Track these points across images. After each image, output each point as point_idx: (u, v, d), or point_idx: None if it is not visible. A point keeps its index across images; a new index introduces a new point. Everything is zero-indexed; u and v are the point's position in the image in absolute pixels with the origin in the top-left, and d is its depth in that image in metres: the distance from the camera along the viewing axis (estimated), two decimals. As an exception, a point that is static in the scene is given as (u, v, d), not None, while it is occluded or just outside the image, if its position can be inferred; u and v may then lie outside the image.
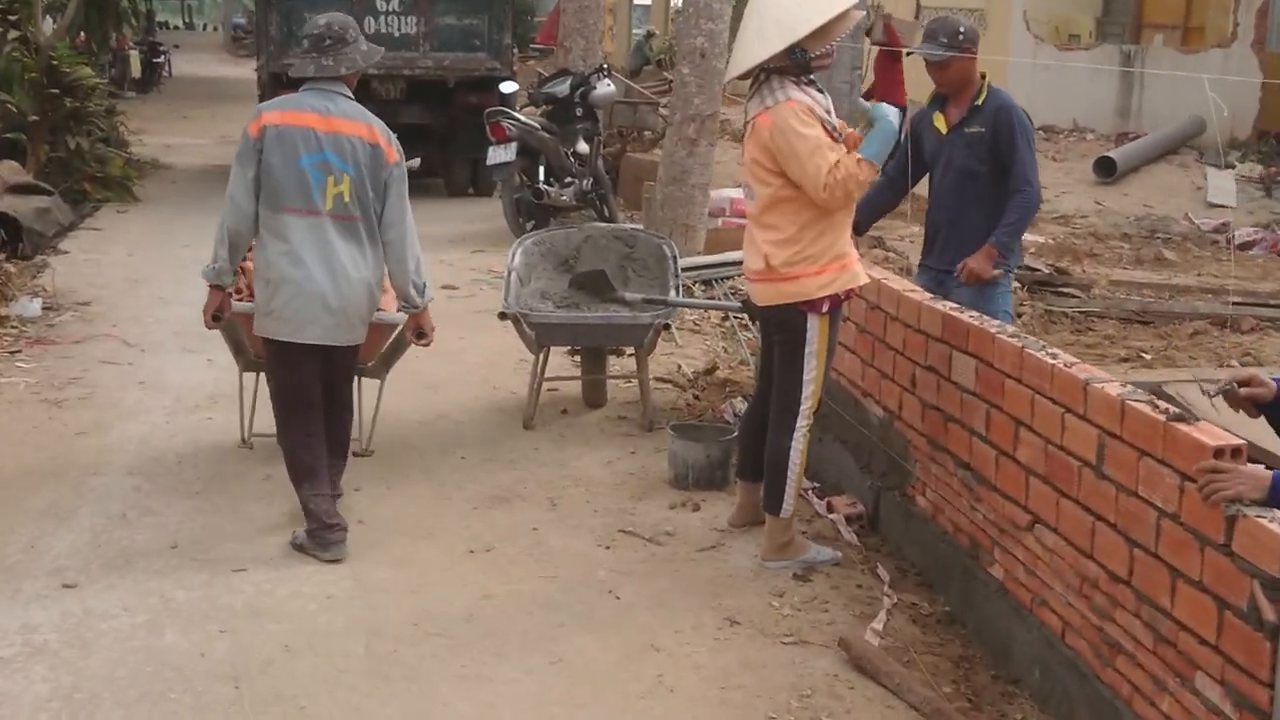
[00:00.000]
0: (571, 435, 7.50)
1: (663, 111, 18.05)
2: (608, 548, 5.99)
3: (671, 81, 20.13)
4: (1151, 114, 23.80)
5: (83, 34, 22.75)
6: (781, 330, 5.64)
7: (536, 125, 13.22)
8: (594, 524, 6.26)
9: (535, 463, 7.07)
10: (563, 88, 13.89)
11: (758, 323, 7.04)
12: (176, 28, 69.11)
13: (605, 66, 14.31)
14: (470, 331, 9.72)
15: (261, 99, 16.97)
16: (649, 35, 32.78)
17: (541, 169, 13.28)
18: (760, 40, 5.38)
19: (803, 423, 5.66)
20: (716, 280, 10.46)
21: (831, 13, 5.33)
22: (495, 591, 5.53)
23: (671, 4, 21.87)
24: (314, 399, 5.92)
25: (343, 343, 5.87)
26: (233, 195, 5.74)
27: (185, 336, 9.45)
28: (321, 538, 5.79)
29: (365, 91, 15.88)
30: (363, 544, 5.95)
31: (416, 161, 17.26)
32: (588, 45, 15.16)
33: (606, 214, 13.92)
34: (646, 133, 17.82)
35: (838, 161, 5.32)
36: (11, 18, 14.98)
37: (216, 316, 6.05)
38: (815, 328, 5.56)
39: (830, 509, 6.37)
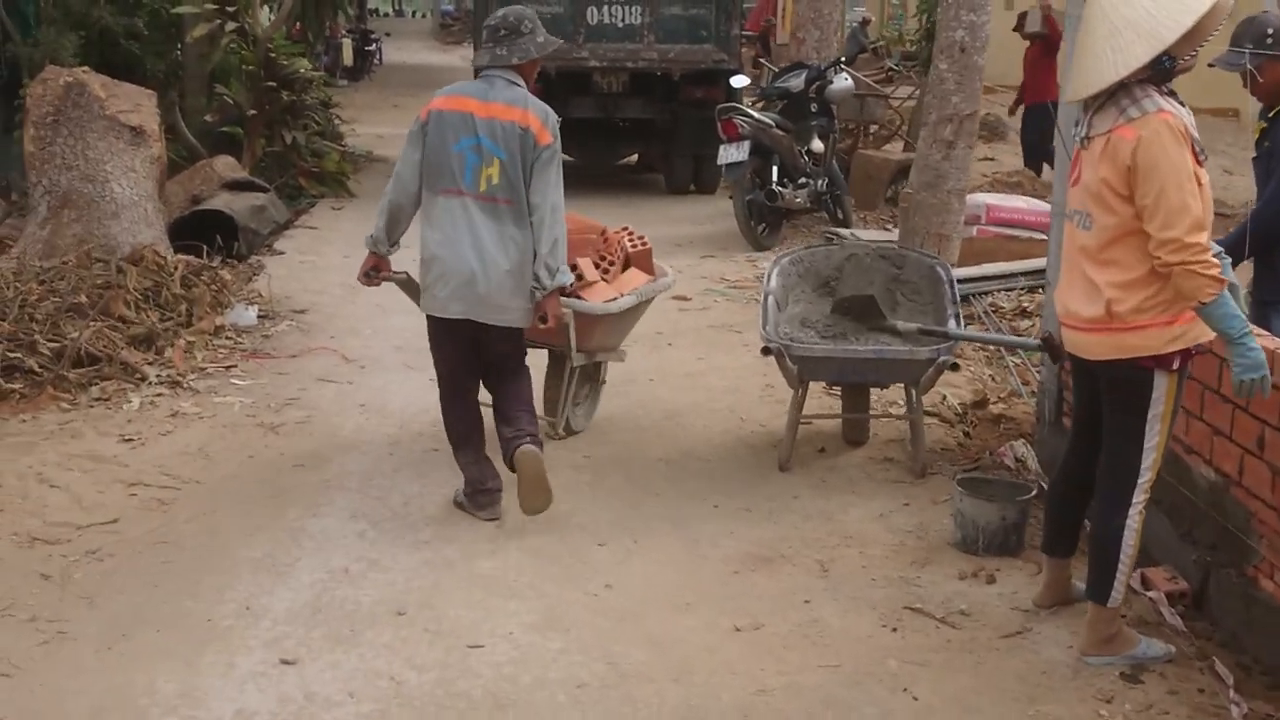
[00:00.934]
0: (834, 481, 6.70)
1: (893, 104, 17.14)
2: (894, 629, 5.17)
3: (889, 70, 19.24)
4: None
5: (299, 24, 22.53)
6: (1120, 389, 4.75)
7: (770, 122, 12.41)
8: (874, 596, 5.44)
9: (798, 514, 6.28)
10: (797, 82, 13.08)
11: (1061, 366, 6.16)
12: (386, 15, 69.81)
13: (841, 59, 13.42)
14: (709, 350, 8.98)
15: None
16: (864, 22, 31.73)
17: (775, 169, 12.48)
18: (1116, 49, 4.46)
19: (1140, 498, 4.76)
20: (974, 296, 9.55)
21: (1201, 9, 4.42)
22: (770, 684, 4.75)
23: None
24: (464, 373, 6.18)
25: (489, 321, 5.96)
26: (399, 173, 6.03)
27: (406, 352, 8.87)
28: (477, 499, 6.17)
29: (586, 84, 15.41)
30: (614, 614, 5.24)
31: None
32: (823, 36, 14.31)
33: (840, 216, 13.10)
34: (874, 127, 16.91)
35: (1197, 224, 4.43)
36: (230, 8, 14.61)
37: (371, 275, 6.32)
38: (1162, 387, 4.66)
39: (1146, 584, 5.46)
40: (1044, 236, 10.87)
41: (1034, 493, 5.95)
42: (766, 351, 6.45)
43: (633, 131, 16.05)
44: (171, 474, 6.62)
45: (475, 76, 6.17)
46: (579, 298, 6.81)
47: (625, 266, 7.45)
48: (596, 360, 7.26)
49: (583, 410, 7.36)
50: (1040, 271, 9.59)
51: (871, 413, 7.20)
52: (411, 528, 6.07)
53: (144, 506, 6.26)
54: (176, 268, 9.19)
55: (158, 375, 8.04)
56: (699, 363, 8.66)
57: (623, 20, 14.98)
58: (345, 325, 9.59)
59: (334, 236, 13.00)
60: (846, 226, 13.16)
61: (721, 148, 12.49)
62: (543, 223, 5.85)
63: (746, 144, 12.26)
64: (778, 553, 5.84)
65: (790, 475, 6.73)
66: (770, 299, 6.79)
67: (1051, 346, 5.79)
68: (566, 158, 16.45)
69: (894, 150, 16.40)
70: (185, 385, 7.97)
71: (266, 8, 16.43)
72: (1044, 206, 11.40)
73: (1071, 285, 4.87)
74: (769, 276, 6.97)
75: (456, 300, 5.91)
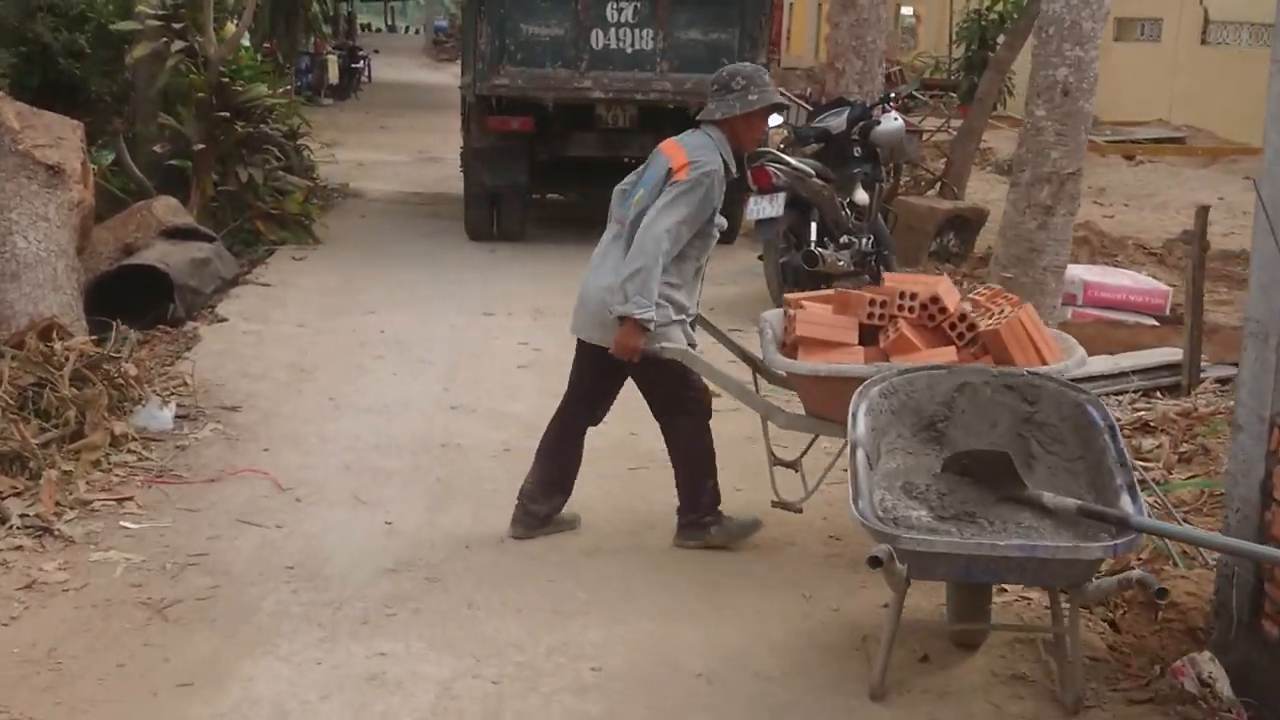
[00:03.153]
0: (947, 716, 4.69)
1: (936, 137, 15.17)
2: None
3: (903, 99, 17.23)
4: None
5: (269, 42, 20.54)
6: None
7: (810, 170, 10.42)
8: None
9: (907, 789, 4.27)
10: (838, 121, 11.10)
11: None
12: (378, 30, 68.05)
13: (891, 95, 11.44)
14: (752, 478, 6.95)
15: (465, 122, 14.52)
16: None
17: (813, 225, 10.49)
18: None
19: None
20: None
21: None
22: None
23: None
24: (578, 392, 6.31)
25: (589, 339, 6.08)
26: None
27: (358, 474, 6.89)
28: (515, 514, 6.20)
29: (589, 118, 13.40)
30: None
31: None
32: (865, 68, 12.32)
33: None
34: (914, 169, 14.94)
35: None
36: (176, 26, 12.58)
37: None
38: None
39: None
40: (1154, 321, 8.92)
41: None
42: (875, 562, 4.37)
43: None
44: (-2, 701, 4.60)
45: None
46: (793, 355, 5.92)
47: (969, 342, 5.75)
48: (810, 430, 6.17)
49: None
50: (1166, 368, 7.62)
51: (1000, 623, 5.19)
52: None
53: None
54: (67, 359, 7.16)
55: (21, 516, 6.03)
56: (738, 496, 6.65)
57: (632, 45, 12.99)
58: (284, 430, 7.57)
59: (290, 296, 10.99)
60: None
61: (751, 200, 10.51)
62: (634, 246, 5.75)
63: (782, 196, 10.27)
64: None
65: (886, 707, 4.72)
66: (860, 454, 4.77)
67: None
68: (558, 197, 14.75)
69: (933, 196, 14.43)
70: (55, 532, 5.96)
71: (232, 21, 14.36)
72: (1152, 284, 9.42)
73: None
74: (853, 416, 4.96)
75: (573, 315, 6.24)
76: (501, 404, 8.21)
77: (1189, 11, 24.04)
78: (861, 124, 11.04)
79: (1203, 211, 7.85)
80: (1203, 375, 7.98)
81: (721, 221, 5.99)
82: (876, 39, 12.47)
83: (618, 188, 6.11)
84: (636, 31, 12.90)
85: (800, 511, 6.20)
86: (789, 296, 6.46)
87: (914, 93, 13.76)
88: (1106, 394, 7.85)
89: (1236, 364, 8.71)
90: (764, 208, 10.29)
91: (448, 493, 6.73)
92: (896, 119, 11.28)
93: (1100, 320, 8.70)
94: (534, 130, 13.08)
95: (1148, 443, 7.28)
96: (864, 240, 10.85)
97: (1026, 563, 4.45)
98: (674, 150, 5.89)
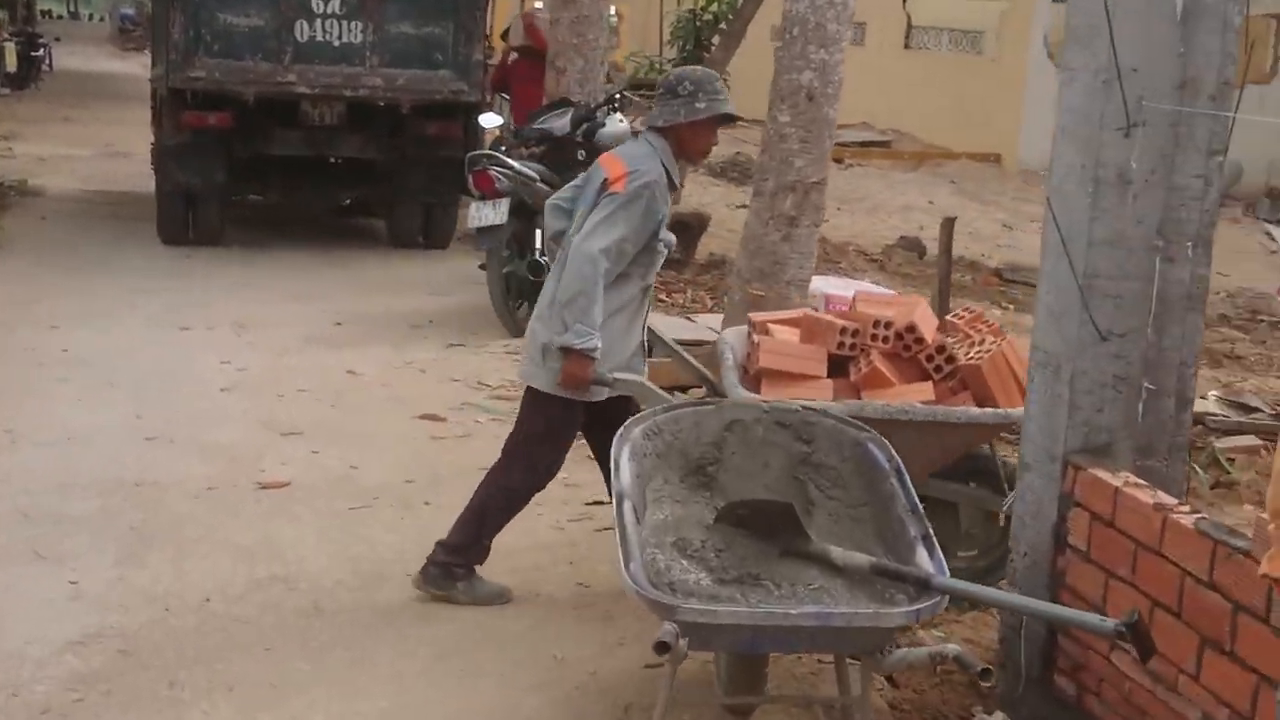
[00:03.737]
0: (729, 800, 4.18)
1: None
2: None
3: (632, 98, 16.81)
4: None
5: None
6: None
7: (534, 174, 9.83)
8: None
9: None
10: (562, 123, 10.54)
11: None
12: (60, 17, 65.01)
13: (618, 96, 10.94)
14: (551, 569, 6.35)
15: (156, 116, 13.45)
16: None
17: (539, 233, 9.90)
18: None
19: None
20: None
21: None
22: None
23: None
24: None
25: (519, 376, 5.68)
26: None
27: (38, 522, 6.03)
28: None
29: (293, 115, 12.52)
30: None
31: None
32: (587, 66, 11.77)
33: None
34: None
35: None
36: None
37: None
38: None
39: None
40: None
41: None
42: (663, 648, 3.78)
43: (350, 172, 13.22)
44: None
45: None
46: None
47: (946, 376, 5.38)
48: None
49: None
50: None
51: (780, 694, 4.68)
52: None
53: None
54: None
55: None
56: (534, 574, 6.02)
57: (340, 38, 12.18)
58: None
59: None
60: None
61: (474, 206, 9.87)
62: (566, 269, 5.27)
63: (505, 202, 9.67)
64: None
65: (658, 792, 4.17)
66: (627, 508, 4.19)
67: (1141, 636, 3.45)
68: (258, 198, 13.83)
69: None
70: None
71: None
72: (886, 292, 9.10)
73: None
74: (616, 461, 4.39)
75: None
76: (204, 433, 7.37)
77: (892, 16, 24.34)
78: (586, 126, 10.52)
79: (948, 224, 7.57)
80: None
81: (669, 237, 5.46)
82: (598, 37, 11.95)
83: (549, 202, 5.69)
84: (344, 23, 12.11)
85: None
86: (754, 318, 5.90)
87: (623, 92, 13.33)
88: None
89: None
90: (487, 214, 9.68)
91: (143, 542, 5.92)
92: (622, 121, 10.79)
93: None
94: (233, 126, 12.15)
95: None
96: (590, 248, 10.35)
97: (820, 632, 3.94)
98: (611, 161, 5.42)
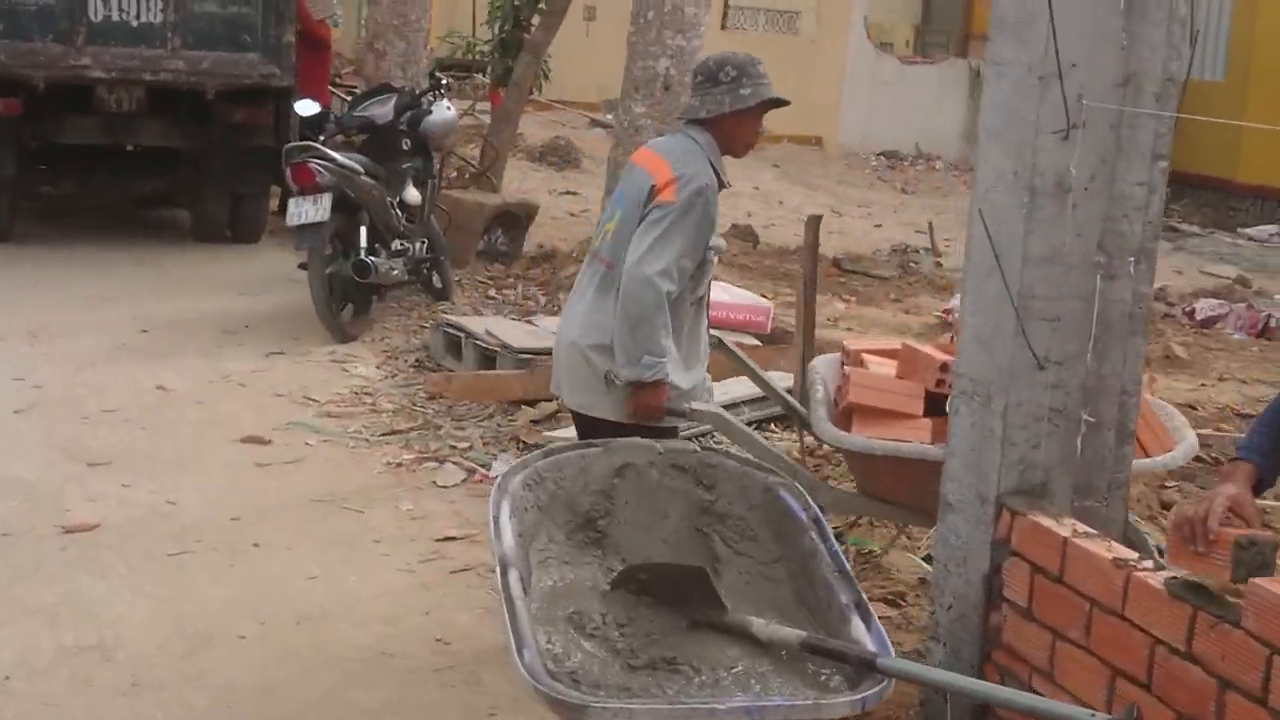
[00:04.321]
0: None
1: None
2: None
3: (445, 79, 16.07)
4: (1000, 139, 20.90)
5: None
6: None
7: (358, 166, 9.11)
8: None
9: None
10: (384, 110, 9.87)
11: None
12: None
13: (444, 81, 10.26)
14: (324, 553, 5.68)
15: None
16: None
17: (364, 231, 9.20)
18: None
19: None
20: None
21: None
22: None
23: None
24: None
25: (568, 404, 5.06)
26: None
27: None
28: None
29: (88, 101, 11.54)
30: None
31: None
32: (409, 49, 11.06)
33: (439, 286, 10.00)
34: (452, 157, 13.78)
35: None
36: None
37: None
38: None
39: None
40: (756, 341, 8.12)
41: None
42: None
43: (151, 162, 12.27)
44: None
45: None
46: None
47: None
48: None
49: None
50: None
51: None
52: None
53: None
54: None
55: None
56: (314, 588, 5.36)
57: (138, 18, 11.24)
58: None
59: None
60: (445, 298, 10.06)
61: (292, 202, 9.10)
62: (621, 293, 4.73)
63: (328, 197, 8.91)
64: None
65: None
66: (513, 578, 3.57)
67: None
68: (51, 190, 12.79)
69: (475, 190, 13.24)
70: None
71: None
72: (752, 299, 8.61)
73: None
74: (495, 519, 3.77)
75: (554, 373, 5.11)
76: (-6, 465, 6.56)
77: (709, -4, 23.97)
78: (411, 113, 9.86)
79: (814, 221, 7.05)
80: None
81: (720, 244, 4.97)
82: (421, 18, 11.24)
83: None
84: (143, 2, 11.18)
85: None
86: (849, 346, 5.38)
87: (449, 76, 12.70)
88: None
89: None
90: (307, 211, 8.91)
91: (-77, 606, 5.12)
92: (449, 108, 10.16)
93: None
94: (22, 114, 11.15)
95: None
96: (418, 245, 9.71)
97: (751, 728, 3.37)
98: (654, 161, 4.88)
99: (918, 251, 13.90)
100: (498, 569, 3.59)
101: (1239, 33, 19.04)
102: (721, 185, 4.93)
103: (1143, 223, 3.99)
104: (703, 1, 6.88)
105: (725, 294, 8.23)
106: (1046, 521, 3.83)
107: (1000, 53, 3.99)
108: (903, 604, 5.39)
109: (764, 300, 8.72)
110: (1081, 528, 3.80)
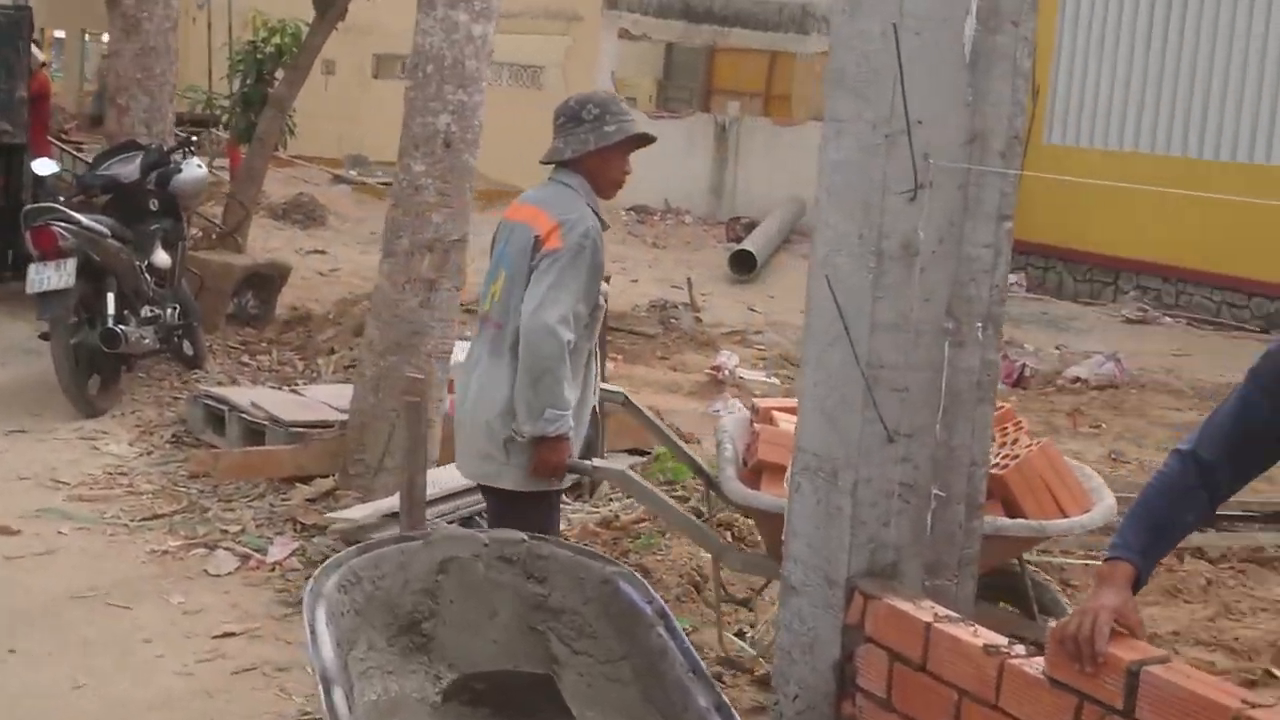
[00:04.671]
0: None
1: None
2: None
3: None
4: (747, 194, 21.14)
5: None
6: None
7: (104, 229, 8.52)
8: None
9: None
10: (130, 168, 9.31)
11: None
12: None
13: (192, 140, 9.72)
14: (89, 659, 5.14)
15: None
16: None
17: (111, 298, 8.59)
18: None
19: None
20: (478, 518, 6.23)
21: None
22: None
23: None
24: None
25: (467, 477, 4.94)
26: None
27: None
28: None
29: None
30: None
31: None
32: (154, 105, 10.45)
33: (192, 354, 9.45)
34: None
35: None
36: None
37: None
38: None
39: None
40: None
41: None
42: None
43: None
44: None
45: None
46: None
47: None
48: None
49: None
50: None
51: None
52: None
53: None
54: None
55: None
56: (82, 698, 4.82)
57: None
58: None
59: None
60: (198, 366, 9.51)
61: (32, 269, 8.40)
62: (521, 349, 4.57)
63: (72, 263, 8.28)
64: None
65: None
66: (337, 697, 3.17)
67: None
68: None
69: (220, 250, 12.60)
70: None
71: None
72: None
73: None
74: (311, 628, 3.37)
75: (459, 452, 4.86)
76: None
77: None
78: (158, 171, 9.32)
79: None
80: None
81: (604, 289, 4.80)
82: (166, 71, 10.62)
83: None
84: None
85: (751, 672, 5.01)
86: (759, 404, 5.22)
87: (198, 131, 12.17)
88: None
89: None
90: (49, 277, 8.26)
91: None
92: (200, 165, 9.64)
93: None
94: None
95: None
96: (169, 311, 9.13)
97: None
98: (531, 213, 4.73)
99: (676, 307, 13.76)
100: (320, 687, 3.20)
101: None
102: (604, 226, 4.77)
103: (989, 286, 3.82)
104: (483, 55, 6.55)
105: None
106: (904, 605, 3.61)
107: (839, 109, 3.78)
108: (723, 684, 5.12)
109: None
110: (943, 611, 3.59)
